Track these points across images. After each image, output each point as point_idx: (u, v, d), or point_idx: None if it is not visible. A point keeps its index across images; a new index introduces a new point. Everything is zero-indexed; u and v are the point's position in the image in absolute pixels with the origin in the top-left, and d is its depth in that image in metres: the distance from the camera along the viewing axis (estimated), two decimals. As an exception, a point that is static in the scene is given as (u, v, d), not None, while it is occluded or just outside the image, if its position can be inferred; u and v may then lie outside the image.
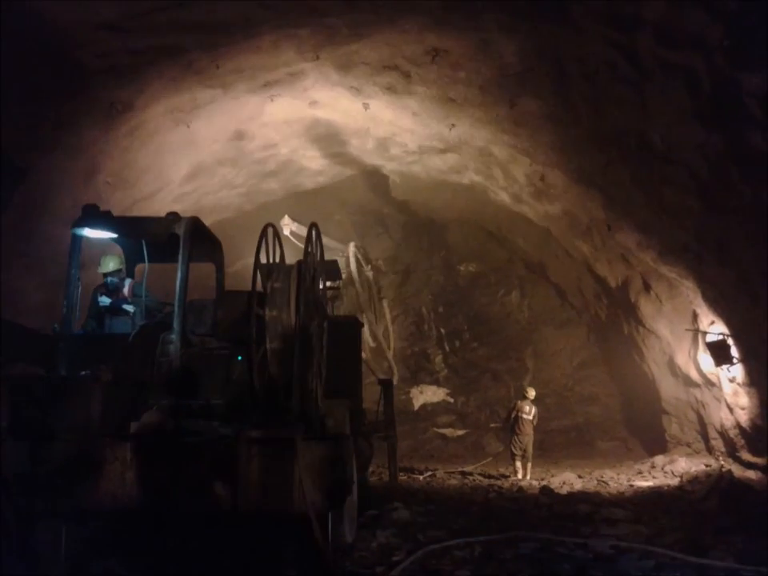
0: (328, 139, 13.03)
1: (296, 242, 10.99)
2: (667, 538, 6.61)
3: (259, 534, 5.50)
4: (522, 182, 12.58)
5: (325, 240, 13.64)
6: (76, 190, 9.12)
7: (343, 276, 13.10)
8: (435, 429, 17.66)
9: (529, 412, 12.92)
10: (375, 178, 16.56)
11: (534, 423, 13.00)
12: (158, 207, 11.06)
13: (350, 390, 7.31)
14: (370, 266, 15.13)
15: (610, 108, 8.90)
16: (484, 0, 7.89)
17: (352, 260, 13.49)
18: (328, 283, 8.06)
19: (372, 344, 14.76)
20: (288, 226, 11.98)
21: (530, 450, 12.87)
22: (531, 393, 13.23)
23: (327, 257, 13.68)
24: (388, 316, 16.40)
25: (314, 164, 14.33)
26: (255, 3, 7.77)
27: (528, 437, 12.85)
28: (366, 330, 14.25)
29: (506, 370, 18.37)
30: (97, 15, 7.26)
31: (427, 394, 18.25)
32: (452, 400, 18.06)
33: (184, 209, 9.56)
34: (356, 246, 13.99)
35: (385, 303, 16.23)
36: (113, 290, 7.18)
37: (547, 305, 18.77)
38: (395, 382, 17.09)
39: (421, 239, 19.67)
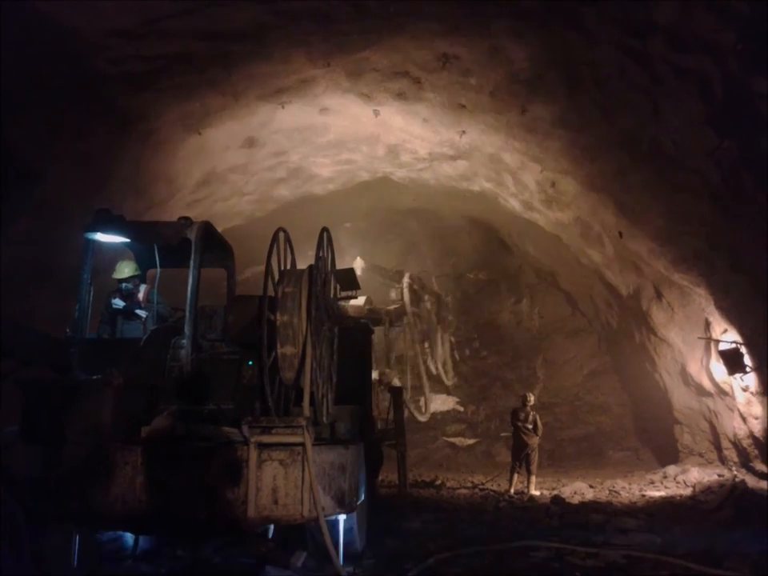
0: (338, 146, 13.05)
1: None
2: (681, 548, 6.53)
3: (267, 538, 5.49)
4: (533, 188, 12.55)
5: (378, 270, 13.61)
6: (89, 196, 9.16)
7: (396, 306, 13.11)
8: (445, 438, 17.63)
9: (525, 419, 11.89)
10: (385, 185, 16.57)
11: (537, 432, 11.92)
12: (170, 214, 11.09)
13: (359, 397, 7.28)
14: (427, 296, 14.97)
15: (622, 114, 8.89)
16: (495, 6, 7.91)
17: (406, 292, 13.39)
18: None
19: (434, 371, 15.16)
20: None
21: (531, 461, 11.76)
22: (530, 398, 12.20)
23: (380, 286, 13.65)
24: (447, 347, 16.13)
25: (324, 171, 14.34)
26: (267, 10, 7.82)
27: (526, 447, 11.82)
28: (429, 359, 14.78)
29: (517, 379, 18.28)
30: (110, 22, 7.32)
31: (437, 403, 18.14)
32: (462, 409, 17.95)
33: (195, 216, 9.51)
34: (411, 277, 13.80)
35: (447, 335, 16.10)
36: (127, 296, 7.20)
37: (558, 313, 18.68)
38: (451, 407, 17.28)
39: (431, 246, 19.65)
